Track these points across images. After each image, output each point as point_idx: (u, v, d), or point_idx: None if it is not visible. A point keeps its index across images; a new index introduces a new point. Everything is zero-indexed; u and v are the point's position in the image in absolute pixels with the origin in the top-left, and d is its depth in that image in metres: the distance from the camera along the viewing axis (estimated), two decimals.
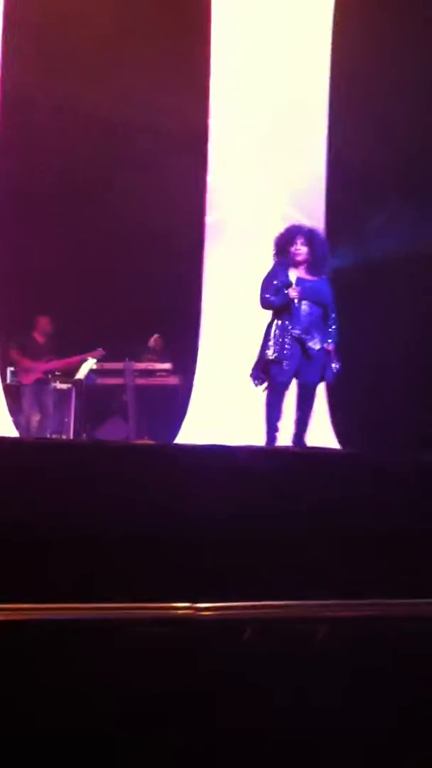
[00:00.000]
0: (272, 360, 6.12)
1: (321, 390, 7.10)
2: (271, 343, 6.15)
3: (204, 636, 1.88)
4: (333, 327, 6.24)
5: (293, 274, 6.18)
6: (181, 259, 8.64)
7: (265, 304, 6.24)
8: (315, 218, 8.01)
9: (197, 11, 8.65)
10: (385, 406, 8.13)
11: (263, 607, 1.95)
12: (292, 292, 6.12)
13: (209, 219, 8.71)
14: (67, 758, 1.79)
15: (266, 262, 6.38)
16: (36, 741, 1.78)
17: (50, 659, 1.84)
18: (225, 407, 8.17)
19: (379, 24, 8.40)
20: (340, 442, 8.14)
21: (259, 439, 6.28)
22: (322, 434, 7.70)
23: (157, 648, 1.86)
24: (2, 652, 1.80)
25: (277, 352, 6.11)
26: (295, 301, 6.12)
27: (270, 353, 6.13)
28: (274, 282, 6.19)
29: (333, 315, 6.25)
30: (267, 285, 6.24)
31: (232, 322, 8.48)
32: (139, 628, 1.91)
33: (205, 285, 8.71)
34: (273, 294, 6.18)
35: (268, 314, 6.37)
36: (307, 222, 7.24)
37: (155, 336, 8.68)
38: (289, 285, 6.15)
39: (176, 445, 7.48)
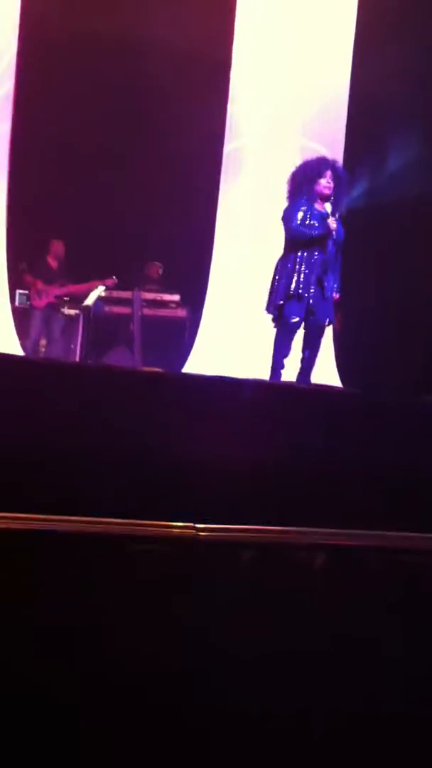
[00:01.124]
0: (291, 296, 6.01)
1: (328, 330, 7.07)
2: (293, 278, 5.99)
3: (203, 557, 1.91)
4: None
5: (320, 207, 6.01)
6: (197, 188, 8.55)
7: (299, 234, 5.99)
8: (334, 153, 7.89)
9: None
10: (388, 350, 8.11)
11: (262, 531, 1.97)
12: (332, 223, 5.95)
13: (227, 148, 8.59)
14: (57, 668, 1.82)
15: (281, 193, 6.28)
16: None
17: (48, 569, 1.86)
18: (232, 341, 8.16)
19: None
20: (342, 382, 8.14)
21: (265, 375, 6.28)
22: (325, 374, 7.70)
23: (156, 566, 1.89)
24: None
25: (299, 289, 5.99)
26: (333, 233, 5.96)
27: (290, 289, 6.00)
28: (304, 212, 5.98)
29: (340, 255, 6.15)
30: (293, 215, 6.02)
31: (243, 254, 8.42)
32: (139, 545, 1.93)
33: (219, 215, 8.63)
34: (305, 226, 5.99)
35: (279, 247, 6.29)
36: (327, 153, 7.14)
37: (156, 264, 8.60)
38: (325, 216, 5.97)
39: (182, 374, 7.48)
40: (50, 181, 8.18)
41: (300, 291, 6.00)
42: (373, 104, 8.39)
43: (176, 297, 8.46)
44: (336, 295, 6.15)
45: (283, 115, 8.50)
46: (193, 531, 1.90)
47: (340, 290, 6.21)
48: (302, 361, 6.25)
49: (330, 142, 8.27)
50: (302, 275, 6.00)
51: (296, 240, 6.04)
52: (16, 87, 8.13)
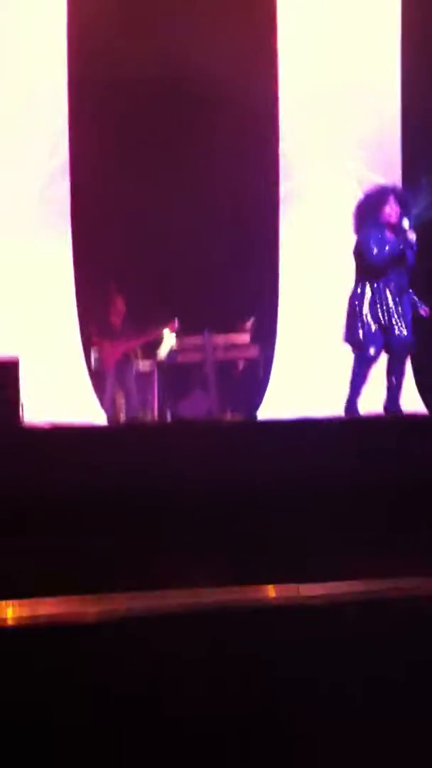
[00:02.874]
0: (370, 324, 6.01)
1: None
2: (371, 307, 6.02)
3: (301, 621, 1.82)
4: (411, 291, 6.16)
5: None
6: (256, 230, 8.53)
7: (380, 263, 6.01)
8: (392, 179, 7.79)
9: None
10: None
11: (366, 586, 1.88)
12: (411, 236, 5.97)
13: (284, 187, 8.58)
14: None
15: (342, 226, 6.24)
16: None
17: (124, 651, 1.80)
18: (307, 375, 8.06)
19: None
20: (426, 404, 7.96)
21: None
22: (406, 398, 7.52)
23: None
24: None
25: (378, 317, 6.01)
26: (410, 254, 5.99)
27: (369, 317, 6.01)
28: (377, 241, 6.01)
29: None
30: (368, 247, 6.04)
31: (310, 290, 8.36)
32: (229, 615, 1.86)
33: (282, 254, 8.58)
34: (383, 253, 6.01)
35: (348, 277, 6.24)
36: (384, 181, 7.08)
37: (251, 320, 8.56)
38: (400, 240, 6.00)
39: (263, 421, 7.41)
40: (109, 237, 8.24)
41: (379, 319, 6.01)
42: (428, 123, 8.26)
43: (246, 337, 8.41)
44: (424, 310, 6.07)
45: (335, 147, 8.45)
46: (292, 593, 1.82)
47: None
48: (389, 389, 6.18)
49: (386, 169, 8.17)
50: (379, 303, 6.01)
51: (377, 269, 6.05)
52: (71, 149, 8.23)
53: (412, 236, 5.98)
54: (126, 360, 8.32)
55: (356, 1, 8.44)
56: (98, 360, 8.32)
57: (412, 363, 7.96)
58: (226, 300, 8.56)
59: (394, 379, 6.18)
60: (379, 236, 6.03)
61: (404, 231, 6.00)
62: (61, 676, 1.78)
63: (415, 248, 6.04)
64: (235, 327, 8.54)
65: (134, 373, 8.37)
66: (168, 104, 8.28)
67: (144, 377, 8.43)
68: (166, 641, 1.86)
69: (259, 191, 8.50)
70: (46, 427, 5.51)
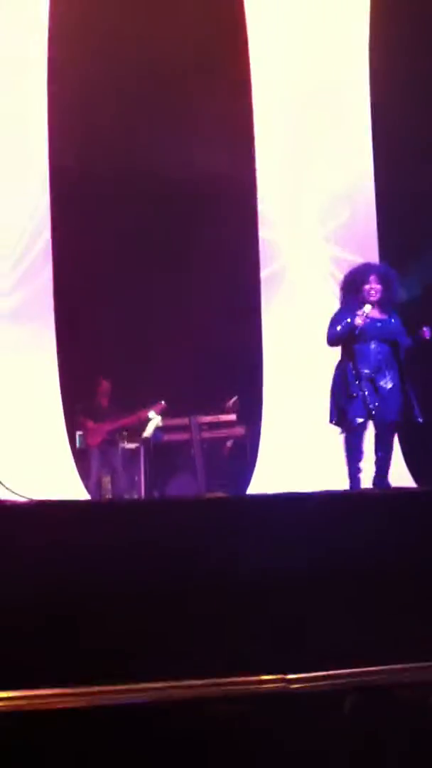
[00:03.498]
0: (348, 401, 6.01)
1: None
2: (344, 384, 6.04)
3: (298, 711, 1.72)
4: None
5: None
6: (239, 312, 8.59)
7: (332, 338, 6.12)
8: (369, 256, 7.89)
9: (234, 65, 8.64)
10: None
11: (364, 674, 1.79)
12: (359, 320, 6.00)
13: (264, 273, 8.68)
14: None
15: (321, 303, 6.29)
16: None
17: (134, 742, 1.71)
18: (295, 453, 8.02)
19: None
20: (415, 480, 7.91)
21: (334, 483, 6.12)
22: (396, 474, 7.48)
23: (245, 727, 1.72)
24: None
25: (353, 392, 6.00)
26: (358, 329, 5.99)
27: (345, 394, 6.02)
28: (347, 320, 6.09)
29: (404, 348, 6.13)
30: (336, 322, 6.14)
31: (293, 368, 8.39)
32: (224, 705, 1.76)
33: (265, 333, 8.64)
34: (341, 328, 6.07)
35: (331, 356, 6.26)
36: (361, 259, 7.16)
37: (234, 399, 8.56)
38: (373, 318, 6.03)
39: (252, 495, 7.33)
40: (93, 321, 8.26)
41: (353, 397, 6.01)
42: (402, 200, 8.40)
43: (233, 416, 8.39)
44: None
45: (313, 230, 8.58)
46: (284, 683, 1.73)
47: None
48: (376, 462, 6.15)
49: (362, 248, 8.29)
50: (352, 380, 6.02)
51: (332, 343, 6.14)
52: (53, 233, 8.30)
53: (359, 320, 5.99)
54: (112, 441, 8.27)
55: (327, 94, 8.61)
56: (83, 441, 8.27)
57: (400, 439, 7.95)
58: (212, 380, 8.57)
59: (379, 454, 6.14)
60: (348, 312, 6.10)
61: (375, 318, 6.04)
62: None
63: (390, 333, 6.07)
64: (221, 407, 8.53)
65: (120, 453, 8.31)
66: (150, 194, 8.41)
67: (130, 458, 8.37)
68: (159, 731, 1.77)
69: (241, 275, 8.63)
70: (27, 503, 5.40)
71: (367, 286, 6.13)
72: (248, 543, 3.79)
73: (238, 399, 8.49)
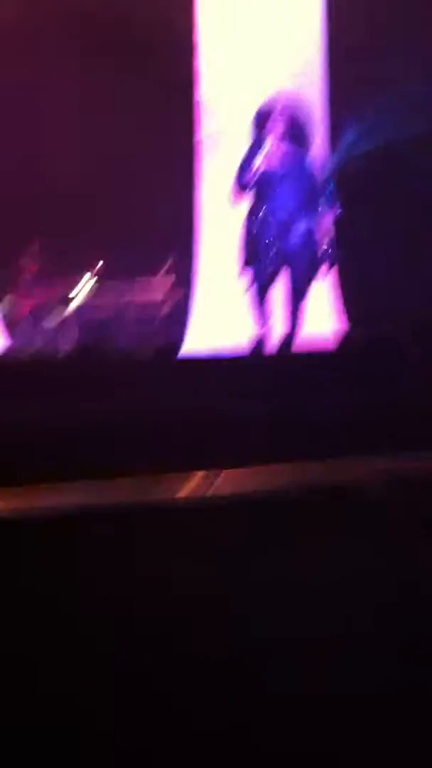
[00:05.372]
0: (253, 251, 5.43)
1: None
2: (251, 232, 5.40)
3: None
4: (327, 206, 5.49)
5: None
6: (175, 173, 8.33)
7: (236, 188, 5.43)
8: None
9: None
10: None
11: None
12: (259, 158, 5.32)
13: (202, 134, 8.39)
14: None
15: None
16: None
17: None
18: (228, 312, 7.95)
19: None
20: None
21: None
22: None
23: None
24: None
25: (258, 241, 5.40)
26: (261, 169, 5.32)
27: (250, 244, 5.42)
28: (247, 162, 5.46)
29: (327, 193, 5.50)
30: (241, 170, 5.48)
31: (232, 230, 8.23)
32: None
33: (204, 194, 8.40)
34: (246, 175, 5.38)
35: None
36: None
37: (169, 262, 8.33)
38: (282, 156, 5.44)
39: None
40: (22, 181, 7.95)
41: (258, 246, 5.42)
42: (352, 54, 8.06)
43: (166, 279, 8.27)
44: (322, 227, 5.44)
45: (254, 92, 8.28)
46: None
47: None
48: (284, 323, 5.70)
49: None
50: (259, 227, 5.41)
51: (237, 195, 5.53)
52: None
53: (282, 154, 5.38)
54: (39, 311, 8.11)
55: None
56: (11, 311, 8.12)
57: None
58: (146, 243, 8.40)
59: (287, 314, 5.60)
60: (253, 153, 5.45)
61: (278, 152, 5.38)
62: None
63: (300, 172, 5.44)
64: (154, 269, 8.38)
65: (50, 322, 8.18)
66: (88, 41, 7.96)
67: (62, 326, 8.24)
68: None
69: (177, 135, 8.25)
70: None
71: (269, 122, 5.46)
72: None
73: (173, 261, 8.35)
